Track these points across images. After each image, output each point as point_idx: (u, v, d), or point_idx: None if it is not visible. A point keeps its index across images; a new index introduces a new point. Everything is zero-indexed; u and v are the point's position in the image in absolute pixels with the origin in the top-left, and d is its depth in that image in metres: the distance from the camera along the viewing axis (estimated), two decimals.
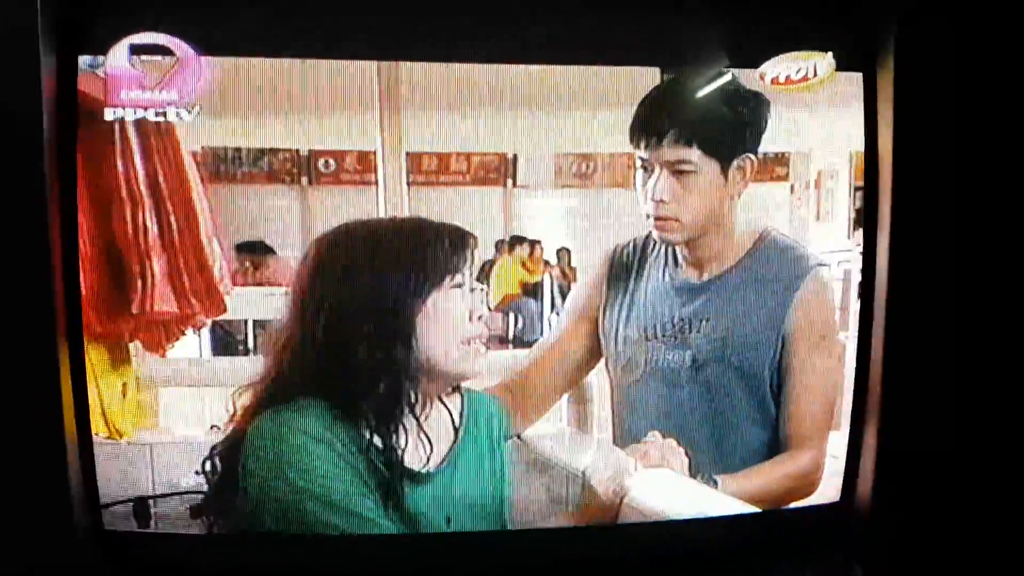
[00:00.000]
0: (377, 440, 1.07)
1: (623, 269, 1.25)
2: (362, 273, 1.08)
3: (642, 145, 1.18)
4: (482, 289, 1.30)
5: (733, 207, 1.21)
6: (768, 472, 1.22)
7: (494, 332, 1.39)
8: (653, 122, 1.17)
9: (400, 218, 1.16)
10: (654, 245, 1.25)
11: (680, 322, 1.22)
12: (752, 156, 1.19)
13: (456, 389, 1.17)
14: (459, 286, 1.10)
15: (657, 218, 1.20)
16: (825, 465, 1.23)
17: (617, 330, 1.25)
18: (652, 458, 1.18)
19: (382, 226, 1.13)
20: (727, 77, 1.17)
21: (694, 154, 1.17)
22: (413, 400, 1.10)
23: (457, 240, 1.11)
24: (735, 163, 1.19)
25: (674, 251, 1.24)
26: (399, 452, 1.08)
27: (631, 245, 1.25)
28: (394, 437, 1.08)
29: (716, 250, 1.22)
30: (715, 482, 1.19)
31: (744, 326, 1.21)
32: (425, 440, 1.11)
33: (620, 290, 1.25)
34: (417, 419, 1.11)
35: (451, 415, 1.16)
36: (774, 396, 1.22)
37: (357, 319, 1.06)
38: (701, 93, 1.18)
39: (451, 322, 1.09)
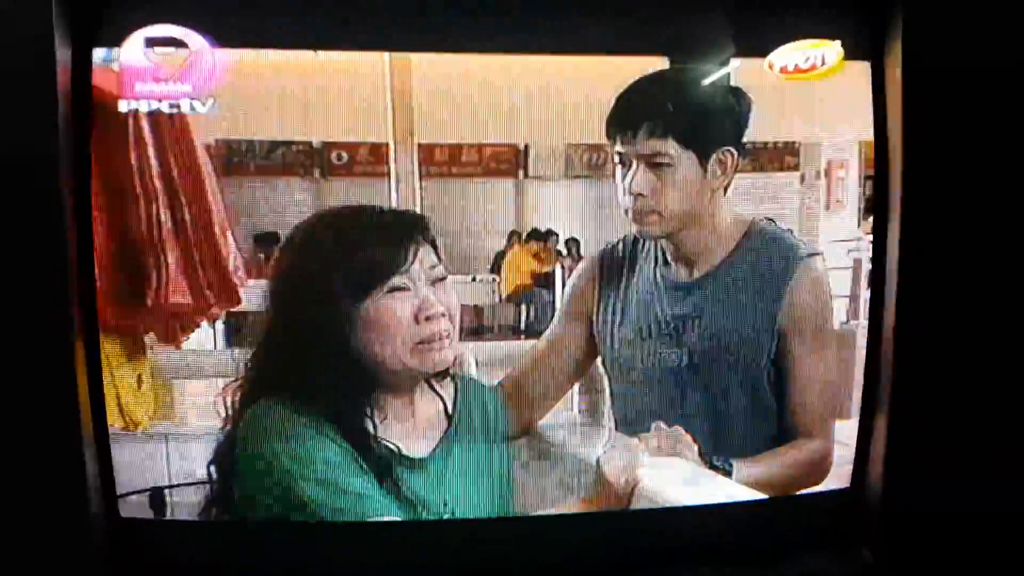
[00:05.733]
0: (359, 426, 1.08)
1: (614, 269, 1.24)
2: (301, 275, 1.08)
3: (618, 139, 1.17)
4: (494, 280, 1.31)
5: (716, 201, 1.20)
6: (781, 458, 1.22)
7: (504, 323, 1.40)
8: (628, 116, 1.16)
9: (347, 212, 1.12)
10: (643, 244, 1.24)
11: (674, 321, 1.21)
12: (733, 150, 1.18)
13: (447, 375, 1.17)
14: (399, 289, 1.07)
15: (636, 212, 1.19)
16: (834, 452, 1.23)
17: (612, 330, 1.24)
18: (663, 447, 1.18)
19: (325, 224, 1.10)
20: (705, 70, 1.16)
21: (670, 146, 1.16)
22: (386, 393, 1.10)
23: (396, 239, 1.07)
24: (714, 156, 1.18)
25: (662, 249, 1.23)
26: (386, 437, 1.09)
27: (620, 244, 1.25)
28: (376, 423, 1.09)
29: (703, 246, 1.21)
30: (730, 466, 1.19)
31: (738, 322, 1.20)
32: (414, 426, 1.12)
33: (612, 290, 1.24)
34: (401, 407, 1.12)
35: (444, 402, 1.17)
36: (773, 390, 1.22)
37: (302, 327, 1.07)
38: (677, 86, 1.17)
39: (391, 330, 1.07)
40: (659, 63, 1.15)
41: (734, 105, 1.17)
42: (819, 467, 1.23)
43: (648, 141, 1.16)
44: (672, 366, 1.21)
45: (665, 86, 1.17)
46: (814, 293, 1.20)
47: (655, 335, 1.22)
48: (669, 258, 1.23)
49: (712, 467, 1.19)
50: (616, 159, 1.18)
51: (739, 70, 1.17)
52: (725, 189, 1.20)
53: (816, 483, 1.24)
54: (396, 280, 1.06)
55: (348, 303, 1.05)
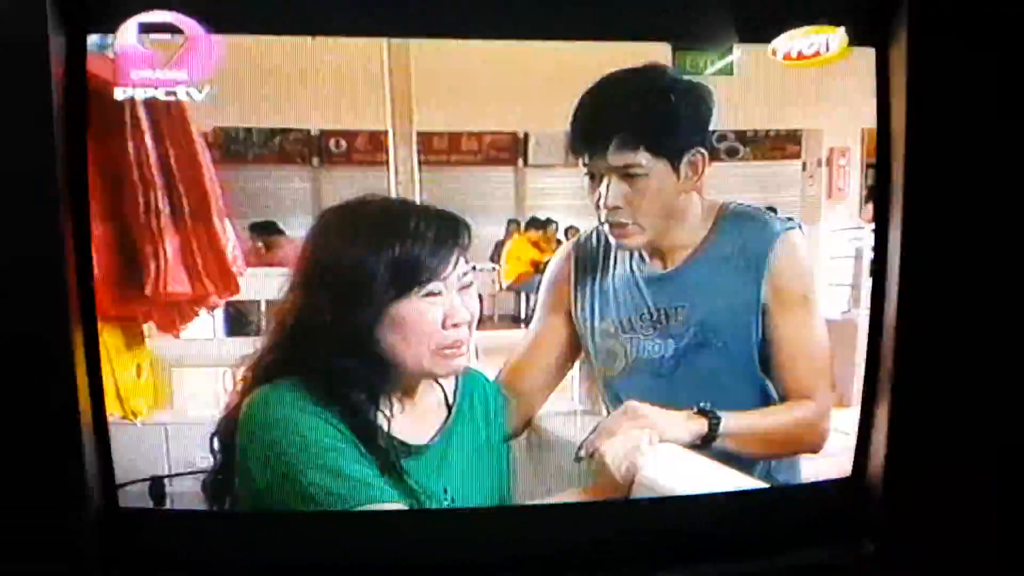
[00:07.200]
0: (365, 415, 1.08)
1: (588, 261, 1.22)
2: (334, 266, 1.06)
3: (585, 154, 1.15)
4: (493, 269, 1.31)
5: (690, 200, 1.18)
6: (772, 415, 1.20)
7: (504, 312, 1.40)
8: (594, 129, 1.13)
9: (390, 206, 1.12)
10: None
11: (656, 312, 1.20)
12: (703, 150, 1.16)
13: None
14: (433, 294, 1.07)
15: (613, 225, 1.17)
16: (830, 416, 1.21)
17: (592, 324, 1.23)
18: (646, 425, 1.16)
19: (367, 214, 1.09)
20: (665, 70, 1.14)
21: (642, 156, 1.14)
22: (395, 386, 1.10)
23: (442, 243, 1.07)
24: (686, 159, 1.15)
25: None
26: (389, 426, 1.09)
27: (594, 235, 1.22)
28: (382, 412, 1.09)
29: (676, 239, 1.19)
30: (718, 418, 1.17)
31: (722, 306, 1.19)
32: (415, 415, 1.12)
33: (588, 283, 1.22)
34: (404, 397, 1.12)
35: (444, 392, 1.17)
36: (763, 368, 1.21)
37: (328, 315, 1.06)
38: (638, 91, 1.14)
39: (419, 334, 1.07)
40: (661, 49, 1.14)
41: (700, 103, 1.15)
42: (814, 428, 1.21)
43: (619, 153, 1.14)
44: (656, 357, 1.20)
45: (629, 93, 1.14)
46: (795, 264, 1.19)
47: (637, 328, 1.21)
48: (644, 252, 1.22)
49: (700, 413, 1.17)
50: (583, 171, 1.16)
51: (739, 57, 1.15)
52: (697, 190, 1.18)
53: (812, 448, 1.22)
54: (432, 286, 1.06)
55: (383, 301, 1.05)
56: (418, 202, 1.15)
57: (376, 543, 1.11)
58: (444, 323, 1.08)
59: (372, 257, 1.05)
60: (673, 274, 1.20)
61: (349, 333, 1.06)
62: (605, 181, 1.15)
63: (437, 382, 1.17)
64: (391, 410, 1.10)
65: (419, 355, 1.08)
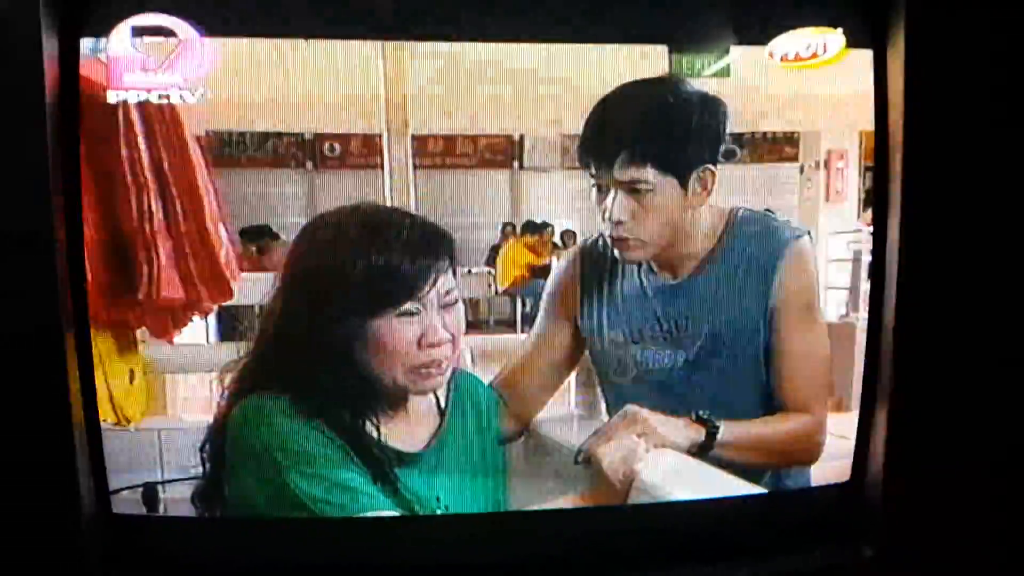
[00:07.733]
0: (353, 424, 1.07)
1: (596, 270, 1.21)
2: (311, 279, 1.06)
3: (592, 167, 1.14)
4: (489, 272, 1.30)
5: (697, 217, 1.17)
6: (770, 425, 1.20)
7: (499, 316, 1.39)
8: (601, 143, 1.13)
9: (371, 219, 1.09)
10: None
11: (667, 322, 1.19)
12: (712, 167, 1.15)
13: None
14: (409, 313, 1.05)
15: (617, 239, 1.16)
16: (826, 428, 1.21)
17: (601, 333, 1.22)
18: (644, 431, 1.16)
19: (349, 227, 1.07)
20: (676, 83, 1.13)
21: (649, 173, 1.13)
22: (379, 398, 1.09)
23: (420, 262, 1.05)
24: (694, 175, 1.15)
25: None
26: (379, 434, 1.08)
27: (600, 241, 1.21)
28: (370, 422, 1.08)
29: (685, 250, 1.19)
30: (716, 427, 1.16)
31: (732, 315, 1.18)
32: (407, 422, 1.12)
33: (596, 292, 1.21)
34: (395, 406, 1.11)
35: (437, 398, 1.16)
36: (768, 373, 1.20)
37: (306, 327, 1.05)
38: (649, 105, 1.14)
39: (393, 353, 1.06)
40: (658, 52, 1.14)
41: (711, 118, 1.14)
42: (811, 441, 1.21)
43: (625, 168, 1.13)
44: (667, 367, 1.19)
45: (638, 106, 1.13)
46: (803, 273, 1.18)
47: (647, 338, 1.20)
48: (653, 264, 1.21)
49: (699, 421, 1.17)
50: (591, 182, 1.16)
51: (737, 59, 1.15)
52: (703, 205, 1.17)
53: (807, 460, 1.22)
54: (408, 305, 1.05)
55: (356, 318, 1.04)
56: (410, 209, 1.14)
57: (370, 550, 1.10)
58: (420, 343, 1.06)
59: (347, 273, 1.04)
60: (683, 285, 1.20)
61: (326, 346, 1.05)
62: (611, 194, 1.15)
63: None
64: (381, 419, 1.09)
65: (393, 373, 1.07)
